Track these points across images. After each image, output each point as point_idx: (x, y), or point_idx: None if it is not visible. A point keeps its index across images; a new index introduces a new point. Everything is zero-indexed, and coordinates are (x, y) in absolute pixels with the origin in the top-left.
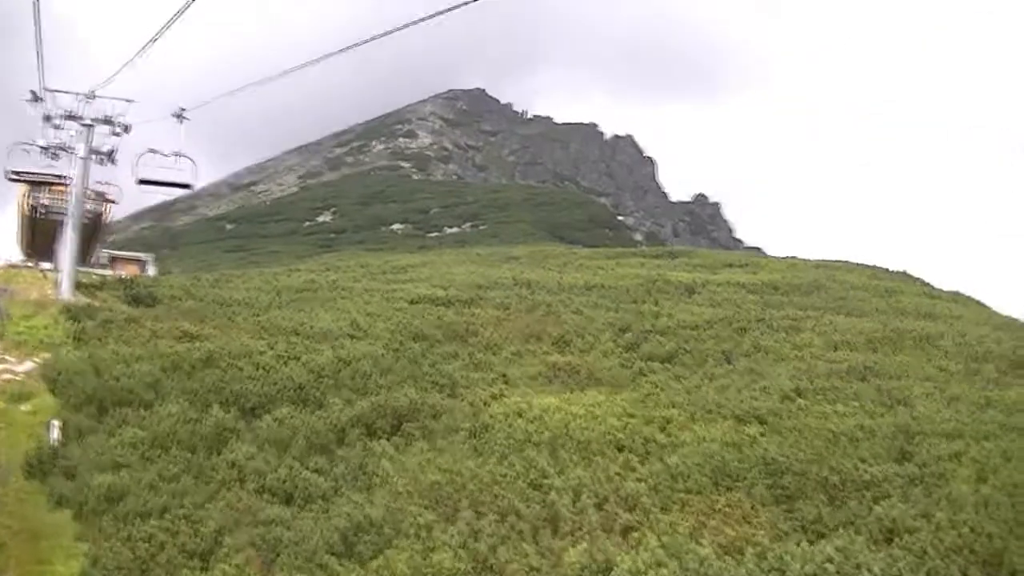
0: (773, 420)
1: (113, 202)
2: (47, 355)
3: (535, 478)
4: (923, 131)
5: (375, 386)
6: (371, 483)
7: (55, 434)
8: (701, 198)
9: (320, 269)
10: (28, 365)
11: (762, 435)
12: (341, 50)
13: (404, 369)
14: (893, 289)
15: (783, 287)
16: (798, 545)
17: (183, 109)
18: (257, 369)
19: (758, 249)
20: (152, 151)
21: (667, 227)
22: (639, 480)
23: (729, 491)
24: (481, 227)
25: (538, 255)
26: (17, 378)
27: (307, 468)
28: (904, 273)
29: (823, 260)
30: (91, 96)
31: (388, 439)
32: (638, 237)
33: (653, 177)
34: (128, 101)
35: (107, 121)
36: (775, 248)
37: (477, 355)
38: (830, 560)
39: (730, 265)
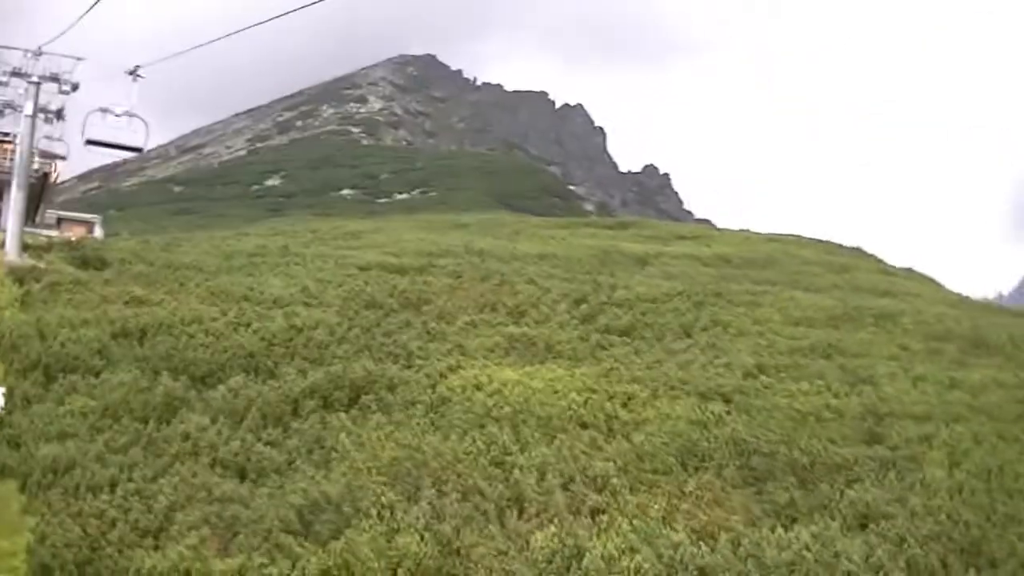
0: (738, 398)
1: (62, 158)
2: None
3: (497, 455)
4: (923, 131)
5: (329, 356)
6: (328, 458)
7: (0, 401)
8: (650, 169)
9: (269, 234)
10: None
11: (727, 413)
12: (290, 11)
13: (358, 338)
14: (847, 265)
15: (737, 260)
16: (772, 531)
17: (137, 66)
18: (208, 336)
19: (708, 221)
20: (103, 111)
21: (616, 197)
22: (606, 459)
23: (697, 472)
24: (431, 194)
25: (489, 223)
26: None
27: (261, 441)
28: (858, 249)
29: (776, 234)
30: (38, 53)
31: (345, 412)
32: (589, 207)
33: (603, 147)
34: (77, 59)
35: (54, 79)
36: (722, 221)
37: (431, 324)
38: (807, 547)
39: (682, 237)
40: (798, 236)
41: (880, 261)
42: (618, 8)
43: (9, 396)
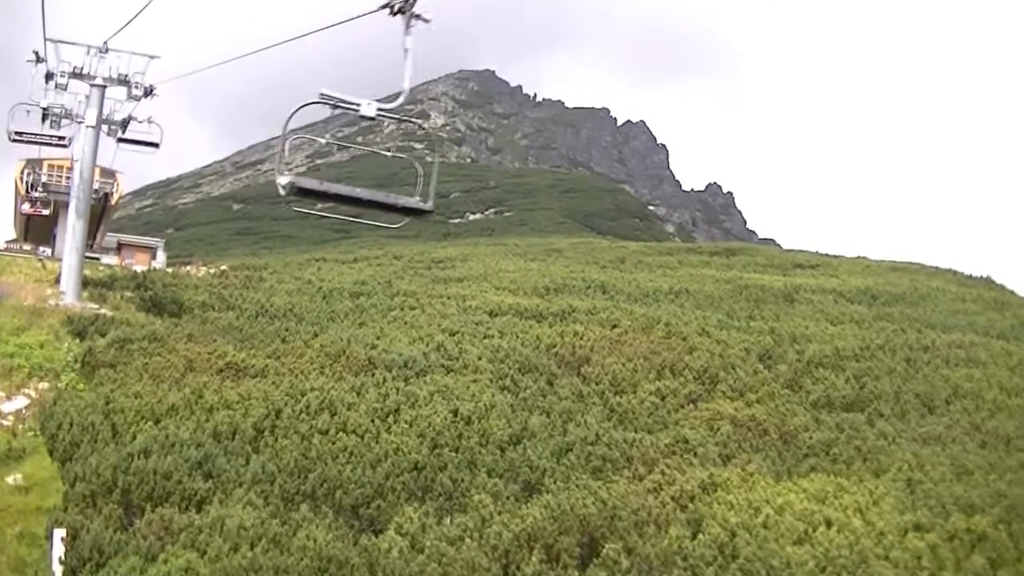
0: None
1: (155, 145)
2: (44, 386)
3: None
4: (923, 130)
5: (523, 464)
6: None
7: (59, 553)
8: (714, 187)
9: (348, 260)
10: (19, 403)
11: None
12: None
13: (547, 431)
14: (998, 300)
15: (883, 296)
16: None
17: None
18: (349, 435)
19: (772, 240)
20: (332, 103)
21: (685, 216)
22: None
23: None
24: (506, 214)
25: (583, 248)
26: (5, 422)
27: None
28: (988, 279)
29: (895, 262)
30: (104, 50)
31: (579, 571)
32: (669, 228)
33: (666, 164)
34: (150, 57)
35: (123, 81)
36: (785, 240)
37: (610, 398)
38: None
39: (799, 265)
40: (920, 264)
41: (1013, 293)
42: (674, 25)
43: (71, 543)
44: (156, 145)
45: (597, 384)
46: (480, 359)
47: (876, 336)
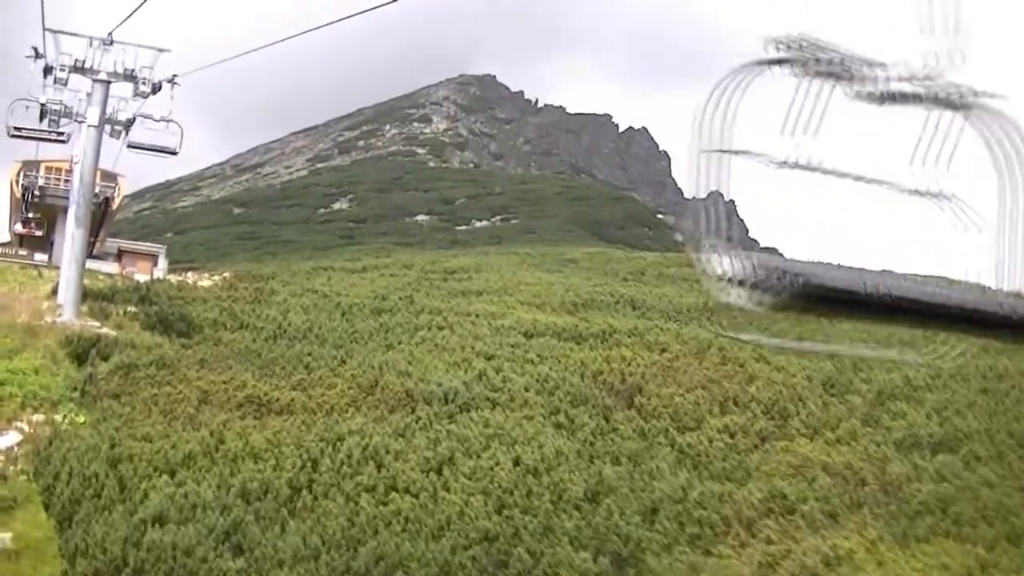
0: None
1: (173, 153)
2: (39, 419)
3: None
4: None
5: (608, 530)
6: None
7: None
8: (715, 195)
9: (356, 269)
10: (10, 439)
11: None
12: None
13: (624, 485)
14: None
15: None
16: None
17: None
18: (403, 496)
19: (775, 250)
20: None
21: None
22: None
23: None
24: (512, 221)
25: (597, 259)
26: None
27: None
28: (1018, 295)
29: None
30: (108, 42)
31: None
32: (679, 237)
33: (668, 172)
34: (159, 50)
35: (130, 76)
36: (788, 251)
37: (675, 436)
38: None
39: None
40: (943, 277)
41: None
42: (675, 29)
43: None
44: (174, 152)
45: (657, 419)
46: (527, 390)
47: (923, 358)
